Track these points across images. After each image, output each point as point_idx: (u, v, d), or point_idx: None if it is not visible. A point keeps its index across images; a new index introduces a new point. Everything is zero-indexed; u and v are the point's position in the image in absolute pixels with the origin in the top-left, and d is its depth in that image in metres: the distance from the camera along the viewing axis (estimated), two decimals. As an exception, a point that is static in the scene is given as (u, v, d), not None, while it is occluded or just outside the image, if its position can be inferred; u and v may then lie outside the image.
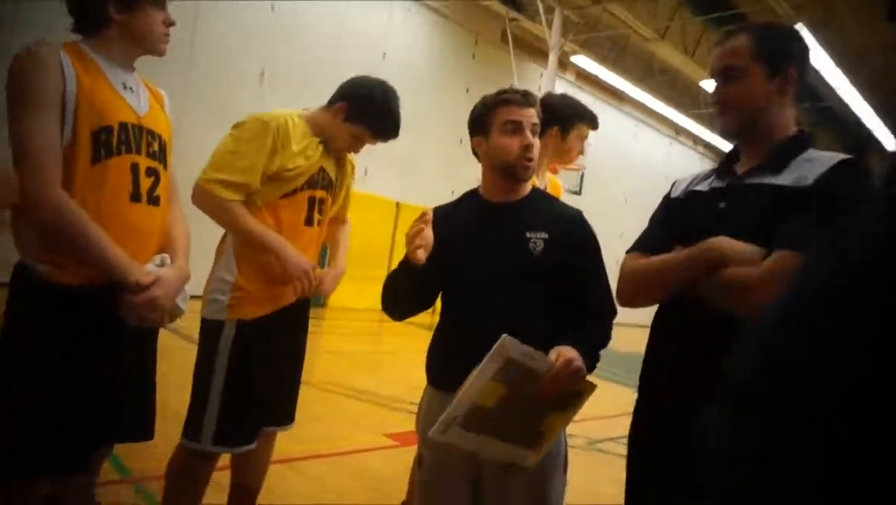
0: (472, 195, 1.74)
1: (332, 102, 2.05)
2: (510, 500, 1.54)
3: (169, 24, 1.65)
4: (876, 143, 16.24)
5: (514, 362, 1.35)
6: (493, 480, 1.54)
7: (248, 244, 1.92)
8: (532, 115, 1.61)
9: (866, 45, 13.95)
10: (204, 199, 1.87)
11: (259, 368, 1.95)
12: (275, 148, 1.89)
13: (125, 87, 1.61)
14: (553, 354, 1.40)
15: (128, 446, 1.84)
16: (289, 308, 2.02)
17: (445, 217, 1.70)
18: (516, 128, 1.59)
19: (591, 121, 2.51)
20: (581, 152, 2.49)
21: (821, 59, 10.76)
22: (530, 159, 1.59)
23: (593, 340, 1.52)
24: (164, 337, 1.79)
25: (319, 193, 2.05)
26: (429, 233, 1.52)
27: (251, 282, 1.93)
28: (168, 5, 1.66)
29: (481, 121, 1.64)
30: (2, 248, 1.72)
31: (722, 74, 1.39)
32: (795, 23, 9.67)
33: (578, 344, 1.45)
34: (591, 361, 1.47)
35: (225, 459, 2.09)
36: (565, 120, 2.41)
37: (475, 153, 1.70)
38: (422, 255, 1.50)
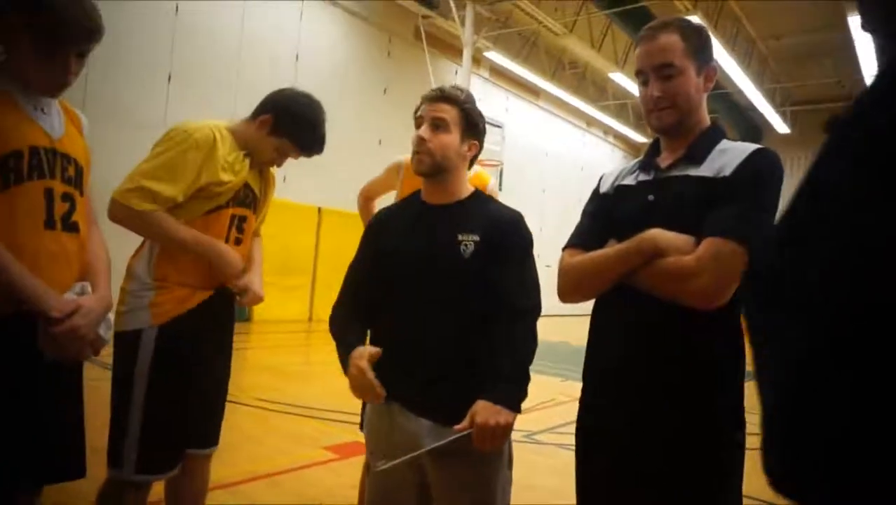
0: (414, 197, 1.73)
1: (256, 114, 1.98)
2: (456, 494, 1.55)
3: (69, 72, 1.54)
4: (768, 126, 17.43)
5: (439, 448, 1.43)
6: (439, 479, 1.55)
7: (179, 251, 1.83)
8: (435, 110, 1.62)
9: (758, 35, 14.93)
10: (124, 213, 1.75)
11: (184, 379, 1.84)
12: (203, 161, 1.80)
13: (36, 109, 1.52)
14: (467, 420, 1.40)
15: (52, 490, 1.70)
16: (212, 309, 1.91)
17: (386, 219, 1.73)
18: (418, 123, 1.63)
19: None
20: None
21: (716, 49, 11.40)
22: (419, 152, 1.60)
23: (516, 366, 1.49)
24: (88, 370, 1.68)
25: (242, 211, 1.97)
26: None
27: (172, 282, 1.84)
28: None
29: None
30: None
31: (658, 72, 1.41)
32: (693, 14, 10.20)
33: (499, 389, 1.44)
34: (518, 395, 1.47)
35: (159, 492, 1.97)
36: None
37: None
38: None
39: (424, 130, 1.61)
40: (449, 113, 1.62)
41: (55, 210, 1.52)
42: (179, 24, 8.80)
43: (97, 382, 1.72)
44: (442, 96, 1.63)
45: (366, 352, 1.51)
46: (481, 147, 1.69)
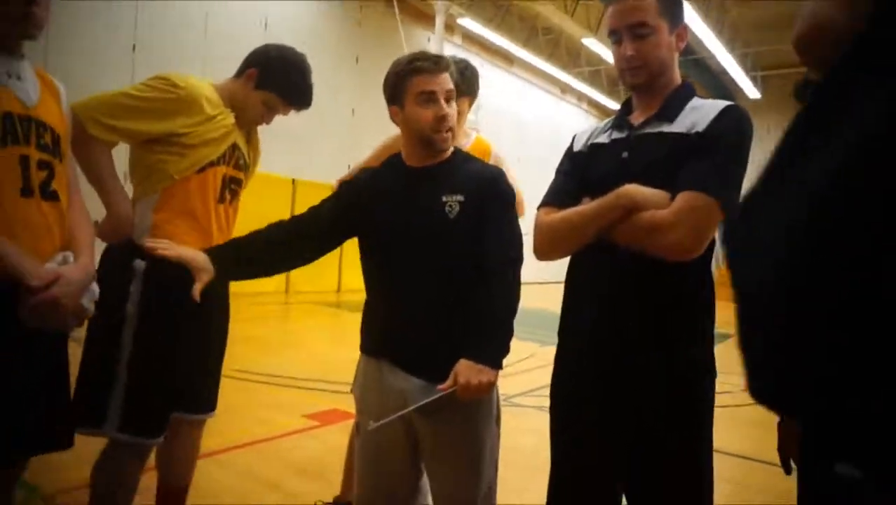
0: (395, 159, 1.72)
1: (240, 71, 1.93)
2: (446, 451, 1.58)
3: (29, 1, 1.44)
4: (739, 91, 17.56)
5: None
6: (430, 436, 1.58)
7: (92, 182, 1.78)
8: (445, 81, 1.58)
9: (731, 1, 14.93)
10: (75, 126, 1.71)
11: (174, 328, 1.79)
12: (179, 106, 1.75)
13: (10, 77, 1.47)
14: (451, 379, 1.42)
15: (36, 463, 1.68)
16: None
17: (369, 182, 1.71)
18: (430, 97, 1.57)
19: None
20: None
21: (689, 13, 11.40)
22: (447, 130, 1.58)
23: (498, 323, 1.51)
24: (71, 347, 1.64)
25: (235, 173, 1.93)
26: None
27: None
28: None
29: (395, 91, 1.61)
30: None
31: (631, 31, 1.41)
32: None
33: (480, 347, 1.46)
34: (500, 352, 1.48)
35: (151, 458, 1.97)
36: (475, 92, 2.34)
37: (394, 121, 1.67)
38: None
39: (445, 108, 1.57)
40: (454, 81, 1.59)
41: (32, 178, 1.47)
42: (142, -10, 8.51)
43: (73, 356, 1.69)
44: (446, 66, 1.57)
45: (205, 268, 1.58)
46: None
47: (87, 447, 1.82)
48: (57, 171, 1.55)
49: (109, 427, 1.72)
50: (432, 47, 11.91)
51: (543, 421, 1.57)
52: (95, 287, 1.60)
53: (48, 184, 1.52)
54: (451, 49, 13.40)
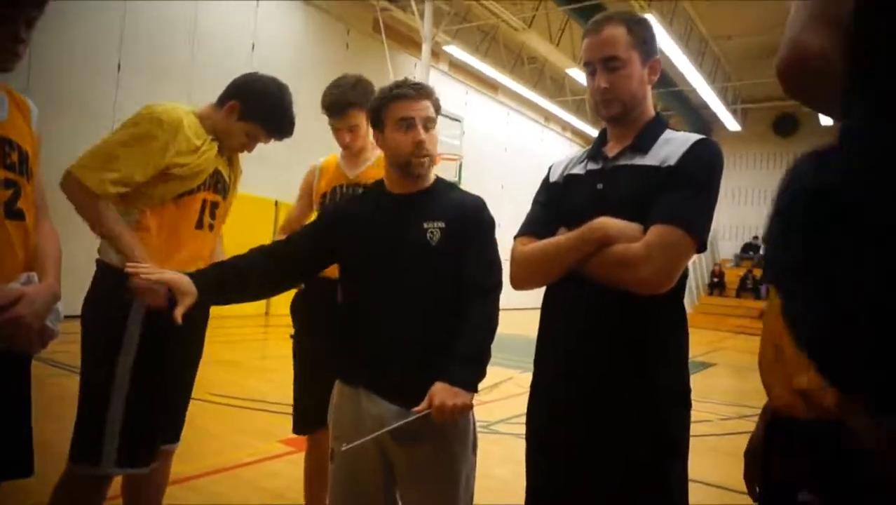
0: (376, 187, 1.74)
1: (223, 101, 1.95)
2: (421, 477, 1.57)
3: (19, 40, 1.45)
4: (719, 123, 17.93)
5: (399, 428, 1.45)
6: (404, 462, 1.57)
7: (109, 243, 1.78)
8: (425, 108, 1.61)
9: (710, 35, 15.32)
10: (76, 188, 1.71)
11: (167, 359, 1.80)
12: (167, 143, 1.77)
13: None
14: (426, 402, 1.42)
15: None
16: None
17: (351, 209, 1.73)
18: (409, 124, 1.59)
19: None
20: None
21: (670, 47, 11.68)
22: (424, 155, 1.60)
23: (475, 346, 1.51)
24: (36, 367, 1.61)
25: (214, 197, 1.95)
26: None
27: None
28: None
29: (377, 116, 1.64)
30: None
31: (604, 63, 1.45)
32: (647, 13, 10.41)
33: (456, 370, 1.46)
34: (476, 376, 1.49)
35: (115, 488, 1.92)
36: None
37: (378, 145, 1.70)
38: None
39: (422, 134, 1.59)
40: (436, 109, 1.63)
41: None
42: (129, 9, 8.54)
43: (45, 378, 1.66)
44: (428, 94, 1.61)
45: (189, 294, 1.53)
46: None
47: (57, 470, 1.78)
48: (23, 190, 1.52)
49: (107, 463, 1.72)
50: (418, 73, 12.05)
51: (521, 449, 1.57)
52: (60, 308, 1.57)
53: (13, 203, 1.49)
54: (437, 75, 13.57)
